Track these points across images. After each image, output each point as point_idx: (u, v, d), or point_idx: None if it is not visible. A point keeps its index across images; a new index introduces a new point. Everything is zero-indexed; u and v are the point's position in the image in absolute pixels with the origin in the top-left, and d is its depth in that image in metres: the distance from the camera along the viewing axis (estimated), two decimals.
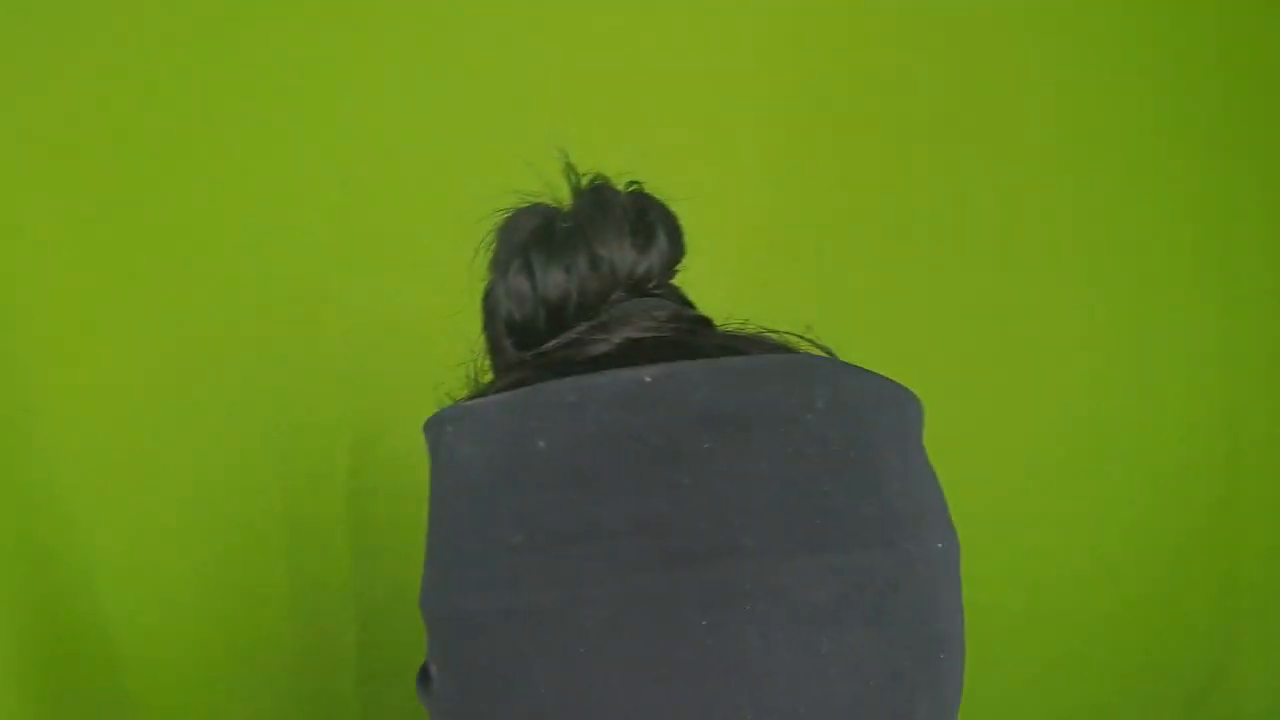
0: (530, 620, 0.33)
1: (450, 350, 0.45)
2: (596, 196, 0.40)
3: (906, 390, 0.38)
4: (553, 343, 0.38)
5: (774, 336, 0.38)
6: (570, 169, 0.42)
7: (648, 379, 0.34)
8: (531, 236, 0.40)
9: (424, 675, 0.38)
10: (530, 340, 0.38)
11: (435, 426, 0.38)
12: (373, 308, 0.67)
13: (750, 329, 0.39)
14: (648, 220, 0.40)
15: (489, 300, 0.41)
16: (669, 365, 0.35)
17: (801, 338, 0.39)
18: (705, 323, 0.39)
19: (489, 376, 0.41)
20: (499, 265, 0.41)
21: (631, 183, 0.41)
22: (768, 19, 0.72)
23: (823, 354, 0.38)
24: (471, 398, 0.39)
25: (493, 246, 0.42)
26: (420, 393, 0.52)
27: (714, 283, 0.42)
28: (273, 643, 0.66)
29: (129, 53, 0.63)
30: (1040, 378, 0.76)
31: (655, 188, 0.50)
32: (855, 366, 0.37)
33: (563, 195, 0.42)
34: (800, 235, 0.69)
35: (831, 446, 0.34)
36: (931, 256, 0.74)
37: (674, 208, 0.42)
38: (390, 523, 0.67)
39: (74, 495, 0.63)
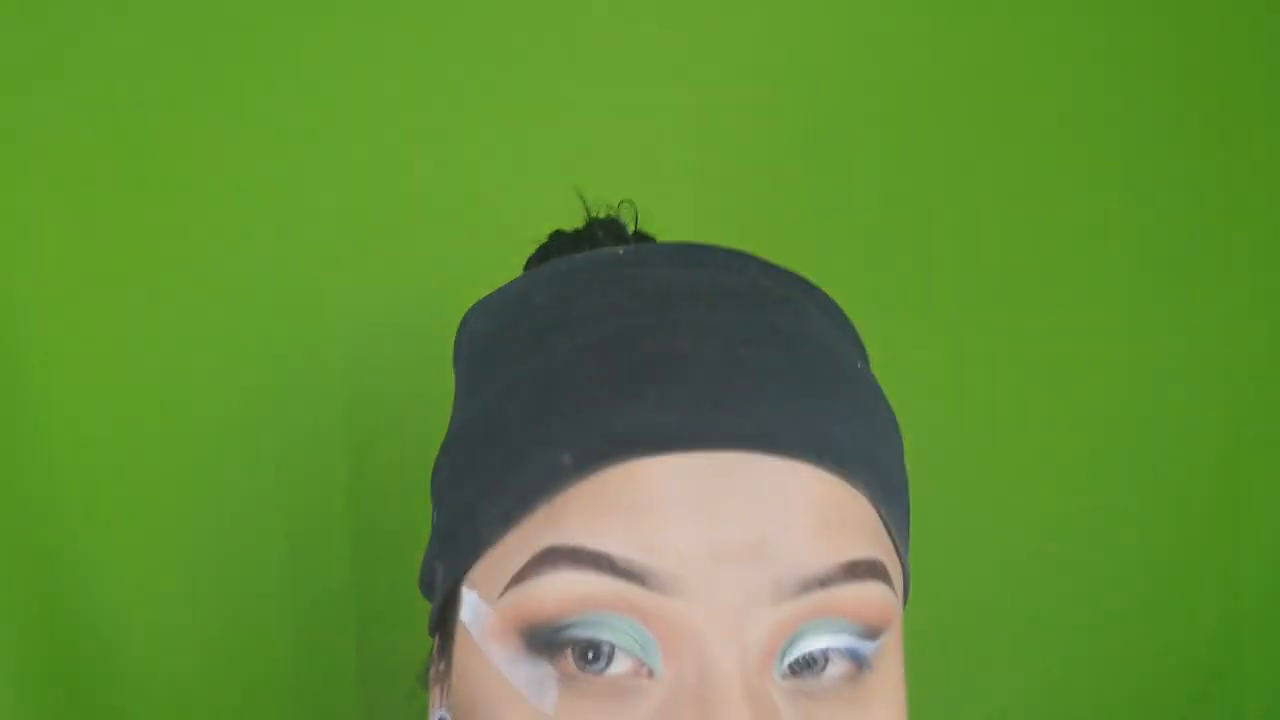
0: (512, 388, 0.39)
1: (450, 352, 0.45)
2: (609, 221, 0.49)
3: (827, 295, 0.44)
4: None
5: None
6: (583, 201, 0.50)
7: (621, 251, 0.43)
8: (551, 238, 0.49)
9: (424, 569, 0.43)
10: None
11: (460, 327, 0.45)
12: (373, 308, 0.67)
13: None
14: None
15: None
16: (639, 244, 0.45)
17: None
18: None
19: None
20: (528, 263, 0.50)
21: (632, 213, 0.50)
22: (769, 20, 0.72)
23: None
24: None
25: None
26: (420, 393, 0.52)
27: None
28: (273, 642, 0.66)
29: (129, 52, 0.63)
30: (1040, 378, 0.76)
31: (656, 191, 0.50)
32: None
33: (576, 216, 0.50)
34: (801, 234, 0.69)
35: (762, 286, 0.41)
36: (930, 256, 0.74)
37: (674, 208, 0.49)
38: (390, 523, 0.67)
39: (74, 495, 0.63)
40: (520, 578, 0.36)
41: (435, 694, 0.42)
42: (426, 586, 0.42)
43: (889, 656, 0.38)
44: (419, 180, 0.67)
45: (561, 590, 0.35)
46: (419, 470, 0.66)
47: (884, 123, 0.73)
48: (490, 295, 0.45)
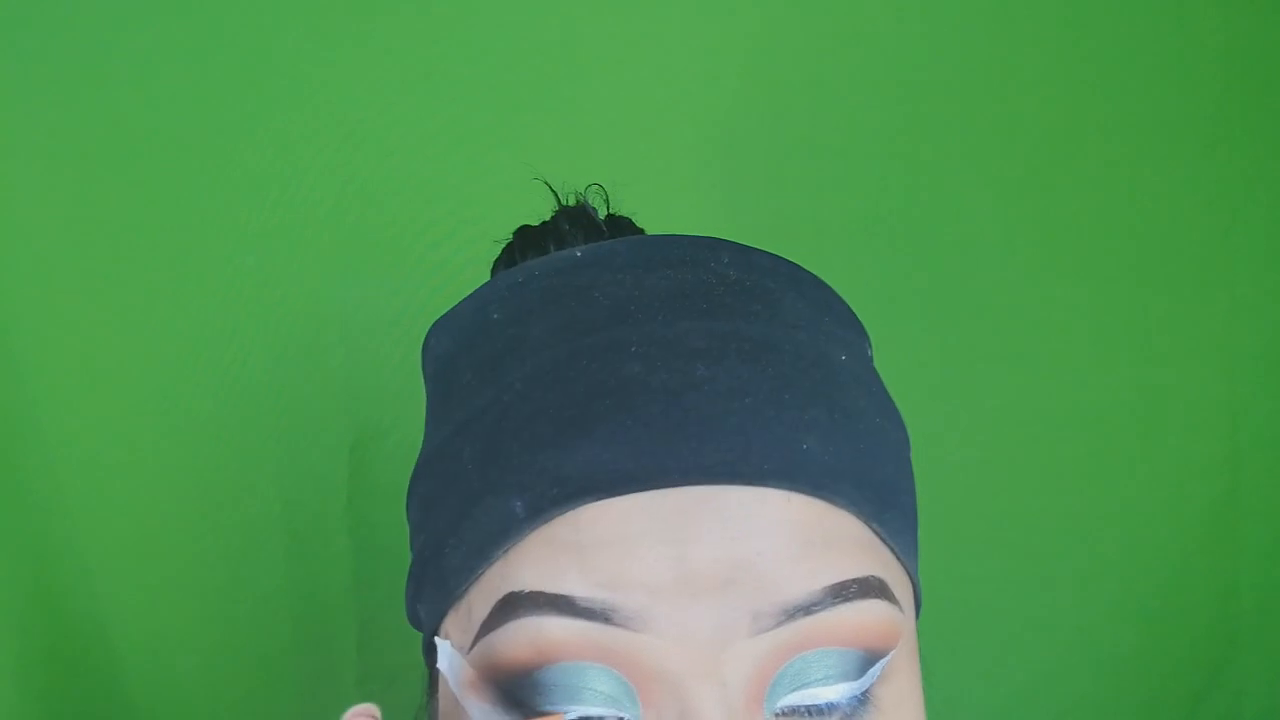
0: (465, 426, 0.37)
1: None
2: (575, 209, 0.46)
3: (817, 278, 0.41)
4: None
5: None
6: (555, 195, 0.47)
7: (579, 254, 0.40)
8: (515, 235, 0.47)
9: (409, 607, 0.42)
10: None
11: (424, 345, 0.43)
12: (373, 308, 0.67)
13: None
14: (618, 226, 0.45)
15: None
16: (597, 243, 0.42)
17: None
18: None
19: None
20: (494, 265, 0.47)
21: (601, 198, 0.47)
22: (770, 15, 0.72)
23: None
24: None
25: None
26: (420, 393, 0.52)
27: None
28: (272, 642, 0.66)
29: (129, 52, 0.63)
30: (1040, 377, 0.76)
31: (652, 190, 0.50)
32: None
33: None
34: (801, 235, 0.69)
35: (730, 279, 0.38)
36: (930, 256, 0.74)
37: (671, 209, 0.47)
38: (390, 523, 0.66)
39: (73, 495, 0.63)
40: (486, 628, 0.34)
41: None
42: (414, 621, 0.42)
43: (899, 674, 0.35)
44: (419, 180, 0.67)
45: (527, 638, 0.33)
46: None
47: (884, 121, 0.73)
48: (451, 310, 0.42)
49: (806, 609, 0.33)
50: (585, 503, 0.33)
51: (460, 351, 0.40)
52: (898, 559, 0.37)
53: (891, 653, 0.35)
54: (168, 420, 0.64)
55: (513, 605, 0.33)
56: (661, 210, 0.50)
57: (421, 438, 0.43)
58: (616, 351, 0.35)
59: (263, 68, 0.65)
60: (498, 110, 0.68)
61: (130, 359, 0.64)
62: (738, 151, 0.72)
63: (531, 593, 0.33)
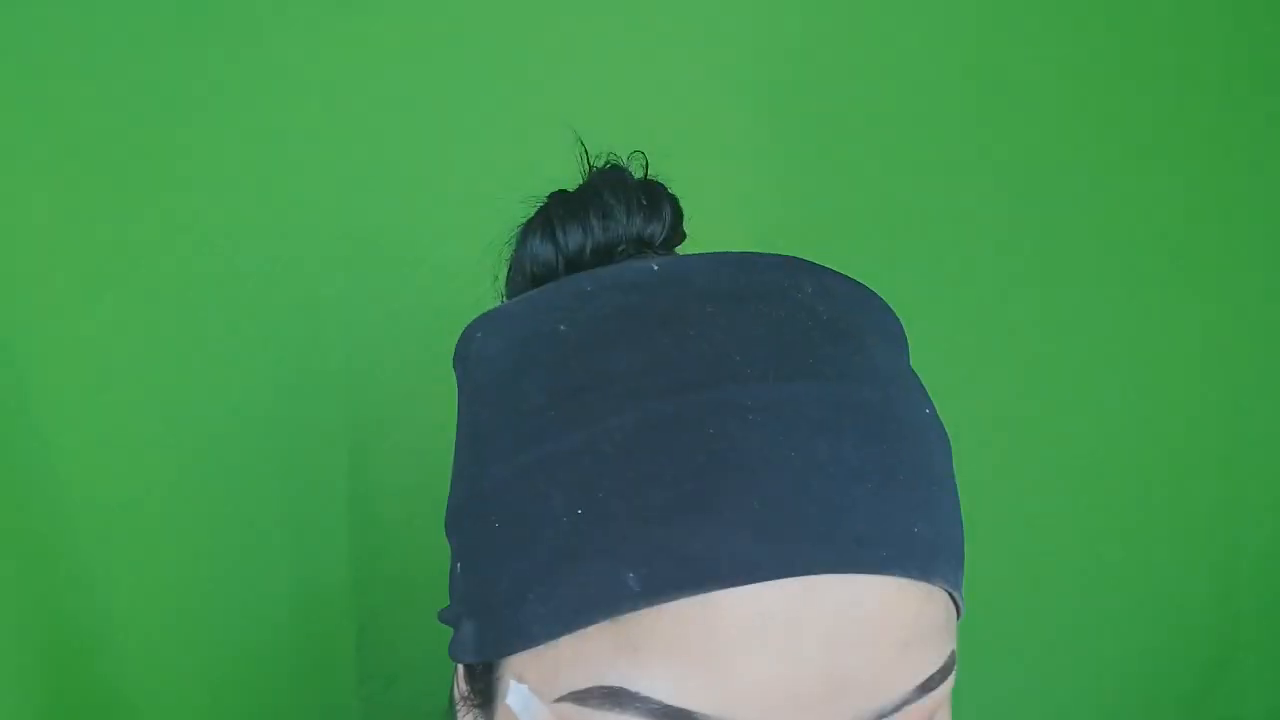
0: (550, 463, 0.35)
1: (450, 350, 0.45)
2: (611, 171, 0.44)
3: (881, 299, 0.41)
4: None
5: None
6: (585, 152, 0.46)
7: (655, 267, 0.38)
8: (551, 200, 0.44)
9: (449, 613, 0.40)
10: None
11: (465, 339, 0.41)
12: (373, 308, 0.67)
13: None
14: (655, 195, 0.44)
15: (515, 258, 0.45)
16: (673, 256, 0.41)
17: None
18: None
19: None
20: (525, 229, 0.45)
21: (640, 163, 0.46)
22: (768, 16, 0.71)
23: None
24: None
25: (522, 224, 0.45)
26: (420, 393, 0.52)
27: None
28: (273, 642, 0.66)
29: (128, 52, 0.63)
30: (1040, 377, 0.76)
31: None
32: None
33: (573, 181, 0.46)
34: (800, 234, 0.69)
35: (820, 315, 0.37)
36: (930, 256, 0.74)
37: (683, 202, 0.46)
38: (390, 523, 0.66)
39: (73, 495, 0.63)
40: (583, 698, 0.34)
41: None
42: (449, 621, 0.41)
43: (943, 707, 0.36)
44: (419, 179, 0.67)
45: None
46: (419, 470, 0.66)
47: (884, 120, 0.73)
48: (499, 309, 0.41)
49: (897, 708, 0.34)
50: (710, 589, 0.32)
51: (524, 365, 0.37)
52: (958, 608, 0.38)
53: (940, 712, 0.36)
54: (168, 420, 0.64)
55: (621, 698, 0.33)
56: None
57: (421, 437, 0.43)
58: (732, 415, 0.33)
59: (262, 67, 0.65)
60: (499, 108, 0.68)
61: (130, 359, 0.64)
62: (740, 150, 0.72)
63: (648, 696, 0.32)
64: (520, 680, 0.36)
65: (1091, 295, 0.77)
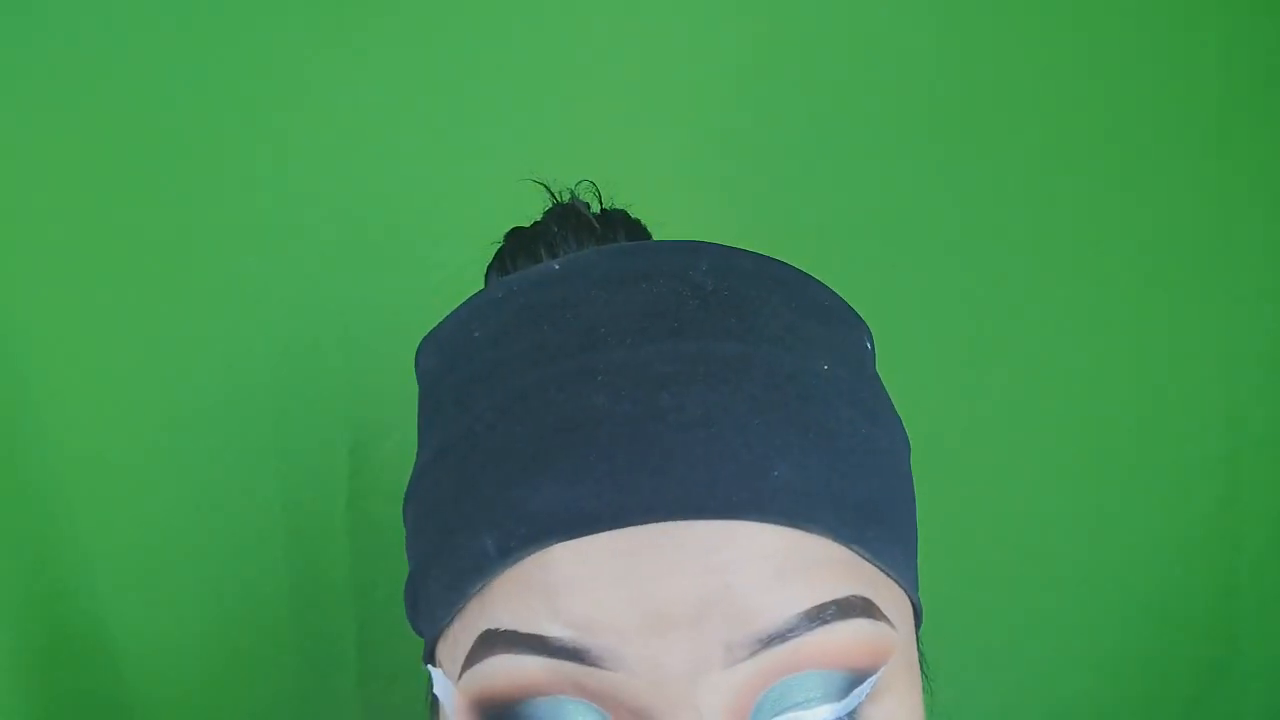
0: (444, 453, 0.38)
1: None
2: (565, 206, 0.46)
3: (817, 281, 0.41)
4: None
5: None
6: (551, 195, 0.48)
7: (556, 266, 0.40)
8: (506, 238, 0.47)
9: (408, 616, 0.43)
10: None
11: (416, 360, 0.44)
12: (373, 308, 0.67)
13: None
14: (610, 223, 0.45)
15: None
16: (577, 253, 0.42)
17: None
18: None
19: None
20: (488, 268, 0.48)
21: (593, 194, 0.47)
22: (769, 13, 0.71)
23: None
24: None
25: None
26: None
27: None
28: (273, 643, 0.66)
29: (128, 52, 0.63)
30: (1040, 377, 0.76)
31: (652, 188, 0.50)
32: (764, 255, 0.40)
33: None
34: (800, 234, 0.69)
35: (704, 287, 0.37)
36: (930, 256, 0.74)
37: (671, 207, 0.48)
38: (390, 523, 0.66)
39: (74, 495, 0.63)
40: (470, 661, 0.35)
41: None
42: (415, 630, 0.43)
43: (890, 691, 0.35)
44: (419, 179, 0.67)
45: (507, 674, 0.34)
46: None
47: (884, 119, 0.73)
48: (439, 325, 0.43)
49: (782, 636, 0.32)
50: (551, 543, 0.33)
51: (444, 371, 0.40)
52: (887, 574, 0.37)
53: (880, 670, 0.34)
54: (168, 420, 0.64)
55: (491, 642, 0.34)
56: (661, 208, 0.50)
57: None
58: (584, 380, 0.35)
59: (262, 67, 0.65)
60: (498, 109, 0.68)
61: (130, 359, 0.64)
62: (738, 149, 0.72)
63: (507, 631, 0.34)
64: (436, 666, 0.38)
65: (1091, 295, 0.77)
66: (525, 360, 0.36)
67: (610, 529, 0.33)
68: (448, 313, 0.43)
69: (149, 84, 0.64)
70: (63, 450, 0.63)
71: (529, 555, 0.34)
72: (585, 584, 0.33)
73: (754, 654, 0.32)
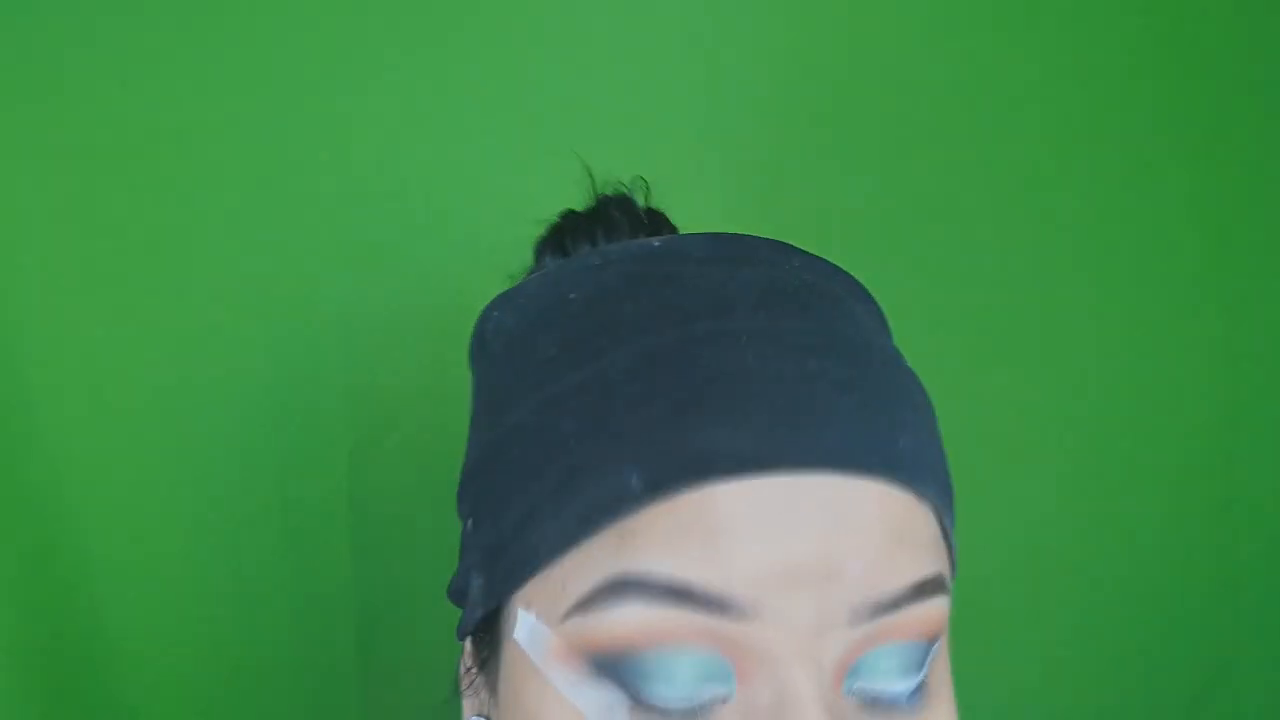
0: (560, 398, 0.37)
1: (450, 350, 0.45)
2: (618, 196, 0.48)
3: (865, 288, 0.44)
4: None
5: None
6: (590, 177, 0.49)
7: (656, 243, 0.41)
8: (562, 218, 0.48)
9: (458, 581, 0.41)
10: None
11: (482, 319, 0.44)
12: (373, 309, 0.67)
13: None
14: (656, 220, 0.48)
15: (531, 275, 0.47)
16: (671, 235, 0.44)
17: None
18: None
19: None
20: (539, 245, 0.48)
21: (642, 189, 0.49)
22: (778, 9, 0.72)
23: None
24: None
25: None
26: (420, 393, 0.52)
27: None
28: (272, 643, 0.66)
29: (128, 52, 0.63)
30: (1040, 377, 0.76)
31: (653, 188, 0.50)
32: None
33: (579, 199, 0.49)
34: (800, 234, 0.69)
35: (806, 280, 0.40)
36: (930, 257, 0.74)
37: (673, 205, 0.49)
38: (390, 523, 0.67)
39: (73, 495, 0.63)
40: (587, 604, 0.35)
41: (471, 703, 0.42)
42: (458, 594, 0.42)
43: (941, 657, 0.38)
44: (419, 178, 0.67)
45: (635, 622, 0.34)
46: (419, 470, 0.66)
47: (886, 119, 0.73)
48: (515, 288, 0.43)
49: (895, 605, 0.35)
50: (708, 482, 0.34)
51: (537, 328, 0.40)
52: (949, 550, 0.39)
53: (941, 638, 0.38)
54: (167, 420, 0.64)
55: (623, 589, 0.34)
56: (663, 207, 0.50)
57: (421, 436, 0.43)
58: (728, 340, 0.36)
59: (262, 67, 0.65)
60: (499, 109, 0.68)
61: (130, 359, 0.64)
62: (738, 150, 0.72)
63: (649, 577, 0.34)
64: (528, 609, 0.37)
65: (1091, 295, 0.77)
66: (655, 320, 0.37)
67: (766, 472, 0.34)
68: (451, 305, 0.43)
69: (149, 84, 0.64)
70: (62, 450, 0.63)
71: (683, 493, 0.34)
72: (737, 530, 0.33)
73: (870, 619, 0.35)
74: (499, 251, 0.49)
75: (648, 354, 0.36)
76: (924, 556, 0.36)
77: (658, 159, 0.69)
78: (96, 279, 0.63)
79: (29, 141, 0.62)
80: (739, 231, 0.42)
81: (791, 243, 0.43)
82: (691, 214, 0.50)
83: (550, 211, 0.49)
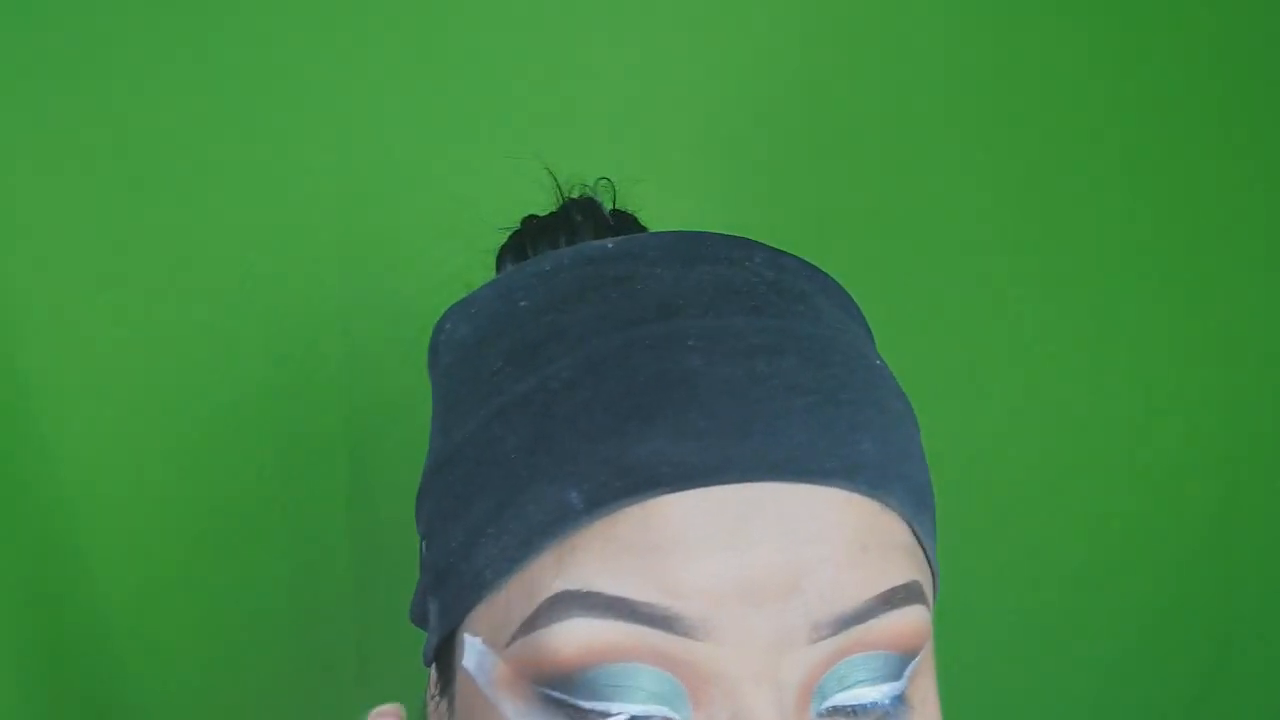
0: (504, 411, 0.35)
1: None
2: (582, 199, 0.46)
3: (839, 284, 0.42)
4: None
5: None
6: (557, 186, 0.47)
7: (610, 245, 0.39)
8: (523, 223, 0.47)
9: (416, 606, 0.40)
10: None
11: (436, 331, 0.42)
12: (372, 309, 0.67)
13: None
14: (623, 221, 0.46)
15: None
16: (626, 236, 0.42)
17: None
18: None
19: None
20: (500, 252, 0.47)
21: (608, 191, 0.47)
22: (775, 12, 0.72)
23: None
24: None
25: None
26: (420, 393, 0.52)
27: None
28: (273, 643, 0.66)
29: (128, 52, 0.63)
30: (1040, 377, 0.76)
31: (653, 188, 0.50)
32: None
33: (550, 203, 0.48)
34: (800, 234, 0.69)
35: (766, 277, 0.38)
36: (930, 257, 0.74)
37: (671, 207, 0.47)
38: (390, 523, 0.67)
39: (73, 495, 0.63)
40: (530, 625, 0.33)
41: None
42: (419, 619, 0.41)
43: (924, 672, 0.36)
44: (419, 179, 0.67)
45: (578, 639, 0.32)
46: (419, 470, 0.66)
47: (886, 120, 0.73)
48: (469, 297, 0.41)
49: (860, 617, 0.33)
50: (650, 496, 0.32)
51: (486, 338, 0.38)
52: (928, 559, 0.38)
53: (923, 651, 0.35)
54: (168, 420, 0.64)
55: (565, 604, 0.32)
56: (662, 207, 0.50)
57: (421, 437, 0.43)
58: (673, 343, 0.34)
59: (262, 67, 0.65)
60: (497, 109, 0.68)
61: (130, 359, 0.64)
62: (738, 150, 0.72)
63: (589, 592, 0.32)
64: (474, 635, 0.36)
65: (1091, 295, 0.77)
66: (599, 325, 0.35)
67: (711, 484, 0.32)
68: (451, 303, 0.42)
69: (149, 83, 0.64)
70: (63, 451, 0.63)
71: (623, 509, 0.32)
72: (680, 546, 0.32)
73: (834, 633, 0.33)
74: (505, 240, 0.49)
75: (590, 362, 0.34)
76: (893, 565, 0.34)
77: (658, 159, 0.70)
78: (96, 279, 0.63)
79: (29, 141, 0.62)
80: (738, 233, 0.41)
81: (790, 244, 0.41)
82: (692, 214, 0.50)
83: (545, 210, 0.49)
